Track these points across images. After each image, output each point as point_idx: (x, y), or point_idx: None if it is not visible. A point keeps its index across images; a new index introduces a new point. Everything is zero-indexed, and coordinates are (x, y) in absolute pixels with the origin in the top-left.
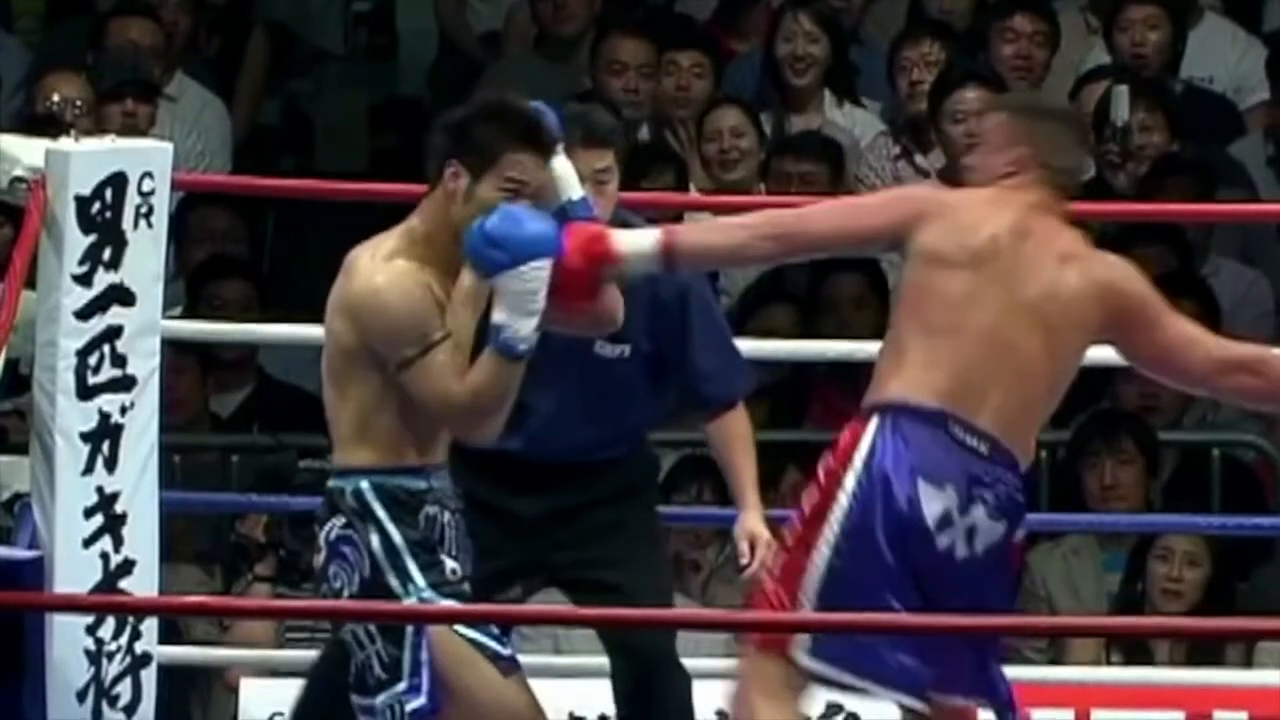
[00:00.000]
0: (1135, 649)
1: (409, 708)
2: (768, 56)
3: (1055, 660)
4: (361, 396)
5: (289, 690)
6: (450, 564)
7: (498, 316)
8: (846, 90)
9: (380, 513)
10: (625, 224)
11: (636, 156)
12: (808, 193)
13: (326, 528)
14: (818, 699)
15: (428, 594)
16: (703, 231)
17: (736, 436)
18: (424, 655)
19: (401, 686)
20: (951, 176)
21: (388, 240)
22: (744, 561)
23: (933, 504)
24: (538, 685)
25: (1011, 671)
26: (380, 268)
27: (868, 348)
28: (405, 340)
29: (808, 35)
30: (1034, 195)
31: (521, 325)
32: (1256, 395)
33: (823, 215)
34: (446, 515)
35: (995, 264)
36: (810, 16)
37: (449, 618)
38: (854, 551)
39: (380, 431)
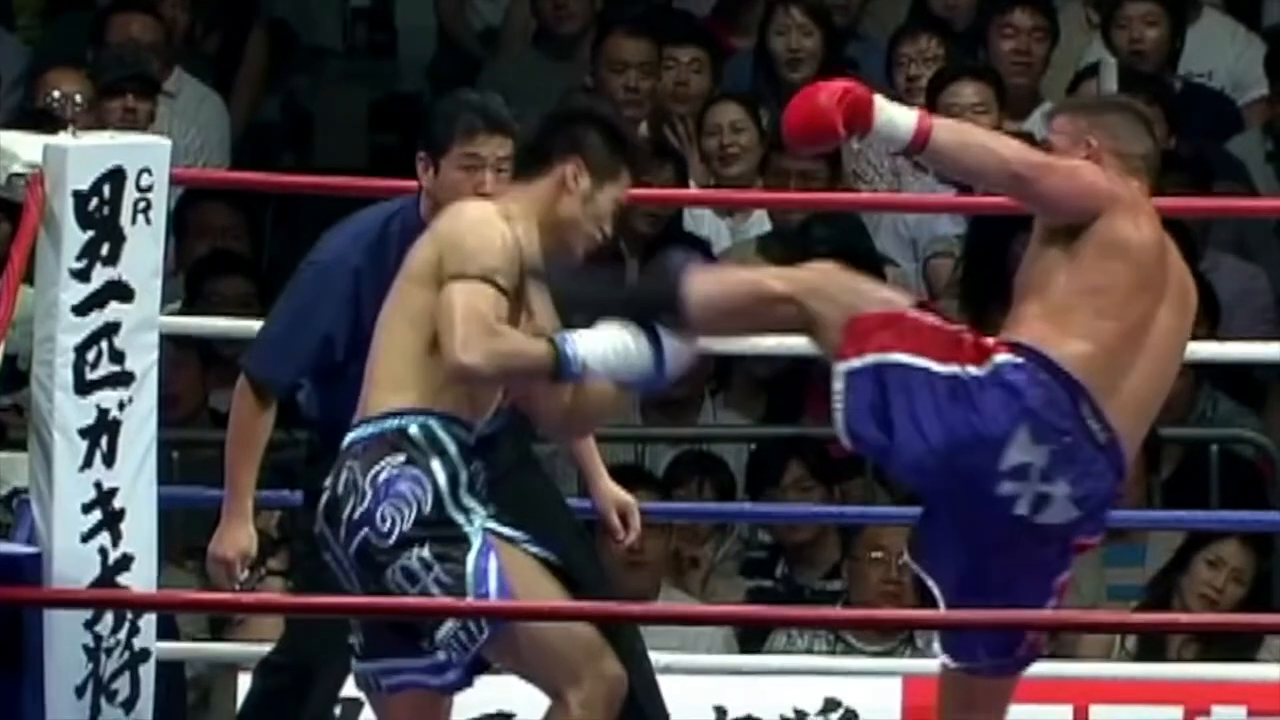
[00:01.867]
0: (1149, 645)
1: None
2: (761, 51)
3: (1056, 655)
4: (430, 337)
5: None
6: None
7: (585, 343)
8: None
9: (451, 447)
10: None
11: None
12: (805, 189)
13: (375, 469)
14: (815, 695)
15: (491, 524)
16: (958, 136)
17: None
18: (489, 565)
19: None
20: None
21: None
22: (620, 537)
23: (1017, 452)
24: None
25: None
26: (477, 205)
27: None
28: (469, 257)
29: (800, 28)
30: (1133, 188)
31: (593, 360)
32: None
33: (1058, 175)
34: (483, 475)
35: (1154, 264)
36: (802, 10)
37: (443, 611)
38: (936, 407)
39: (441, 376)
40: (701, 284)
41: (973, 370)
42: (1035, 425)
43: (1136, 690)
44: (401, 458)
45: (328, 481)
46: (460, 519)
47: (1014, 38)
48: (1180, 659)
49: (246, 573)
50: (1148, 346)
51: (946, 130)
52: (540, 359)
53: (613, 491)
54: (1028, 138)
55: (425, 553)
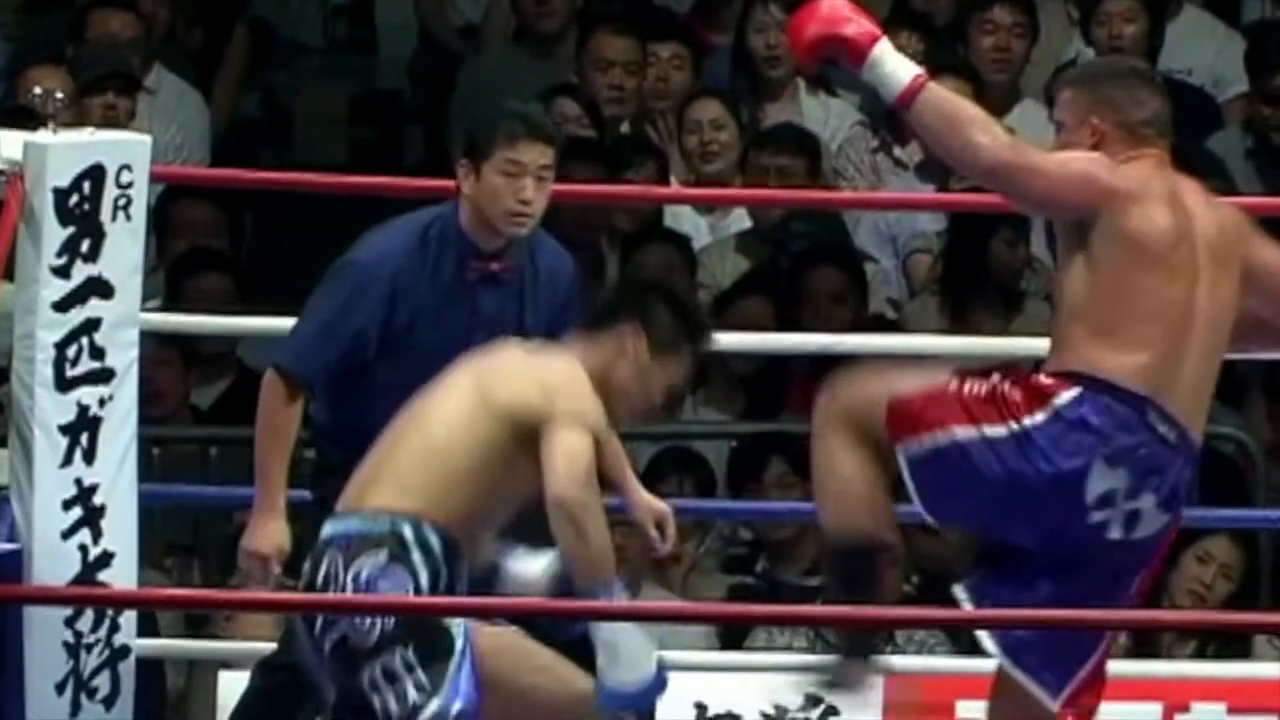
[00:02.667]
0: (1141, 643)
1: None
2: (739, 48)
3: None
4: (473, 465)
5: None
6: None
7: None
8: (820, 80)
9: (436, 548)
10: (536, 242)
11: (618, 149)
12: (785, 186)
13: (357, 565)
14: (795, 693)
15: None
16: (948, 109)
17: None
18: (465, 671)
19: (437, 702)
20: (930, 170)
21: None
22: (659, 547)
23: (1099, 482)
24: None
25: (992, 663)
26: (567, 359)
27: (846, 341)
28: (577, 403)
29: (779, 25)
30: (1148, 160)
31: (621, 634)
32: None
33: (1039, 174)
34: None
35: (1180, 240)
36: (781, 6)
37: (448, 610)
38: (1006, 470)
39: (457, 495)
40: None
41: (1032, 420)
42: (1110, 452)
43: (1117, 688)
44: (384, 555)
45: (305, 566)
46: (444, 619)
47: (994, 34)
48: (1172, 657)
49: (279, 569)
50: (1195, 332)
51: (938, 99)
52: (595, 564)
53: (647, 501)
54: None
55: (409, 654)
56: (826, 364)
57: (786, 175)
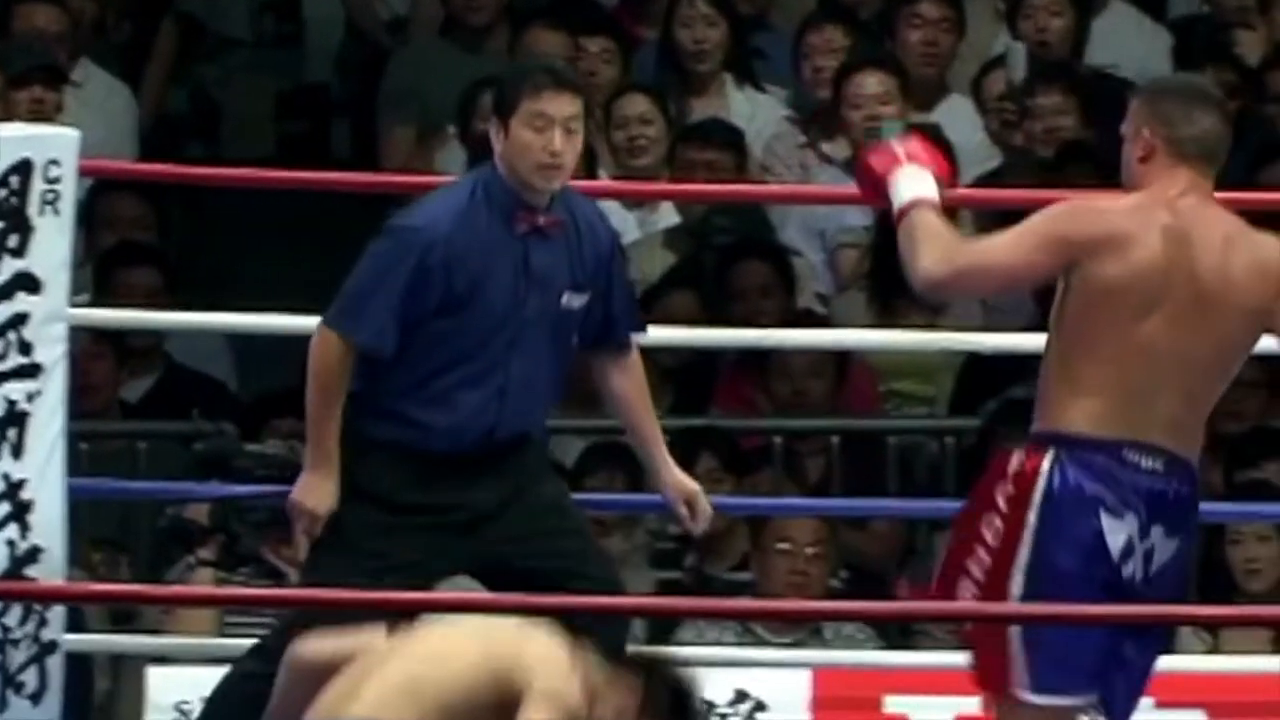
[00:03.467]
0: None
1: None
2: (666, 43)
3: None
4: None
5: (196, 677)
6: None
7: None
8: (747, 75)
9: None
10: (568, 203)
11: None
12: (712, 180)
13: None
14: (723, 686)
15: None
16: (908, 230)
17: (635, 387)
18: None
19: None
20: (855, 165)
21: None
22: (690, 526)
23: (1117, 536)
24: None
25: (919, 657)
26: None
27: (774, 335)
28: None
29: (705, 19)
30: (1180, 182)
31: None
32: None
33: (986, 270)
34: None
35: (1157, 279)
36: (707, 1)
37: (401, 606)
38: (1045, 586)
39: None
40: None
41: (1031, 517)
42: (1106, 504)
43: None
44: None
45: None
46: None
47: (921, 28)
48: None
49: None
50: (1167, 368)
51: (910, 225)
52: None
53: (678, 481)
54: (933, 130)
55: None
56: (755, 358)
57: (714, 170)
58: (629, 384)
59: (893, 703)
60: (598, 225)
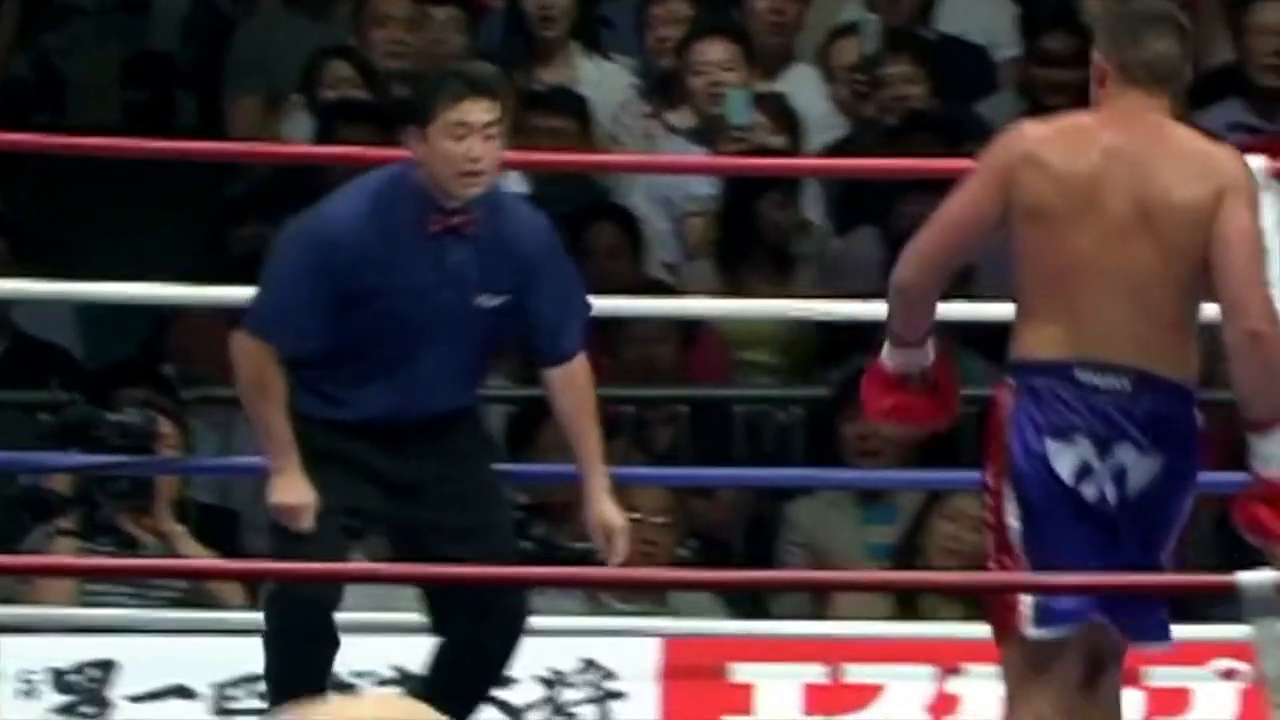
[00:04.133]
0: (904, 604)
1: None
2: (513, 10)
3: (818, 615)
4: None
5: (42, 647)
6: None
7: None
8: (595, 44)
9: None
10: (497, 195)
11: (394, 111)
12: (556, 148)
13: None
14: (571, 656)
15: None
16: (901, 322)
17: (573, 403)
18: None
19: None
20: (702, 135)
21: None
22: (604, 557)
23: (1064, 458)
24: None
25: (767, 626)
26: None
27: (623, 304)
28: None
29: None
30: (1127, 103)
31: None
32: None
33: (930, 223)
34: None
35: (1086, 192)
36: None
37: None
38: (1032, 521)
39: None
40: None
41: (1002, 449)
42: (1051, 427)
43: (889, 649)
44: None
45: None
46: None
47: None
48: (939, 618)
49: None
50: (1110, 280)
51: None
52: None
53: (602, 512)
54: (778, 98)
55: None
56: (603, 326)
57: (558, 137)
58: (566, 402)
59: (741, 671)
60: (526, 233)
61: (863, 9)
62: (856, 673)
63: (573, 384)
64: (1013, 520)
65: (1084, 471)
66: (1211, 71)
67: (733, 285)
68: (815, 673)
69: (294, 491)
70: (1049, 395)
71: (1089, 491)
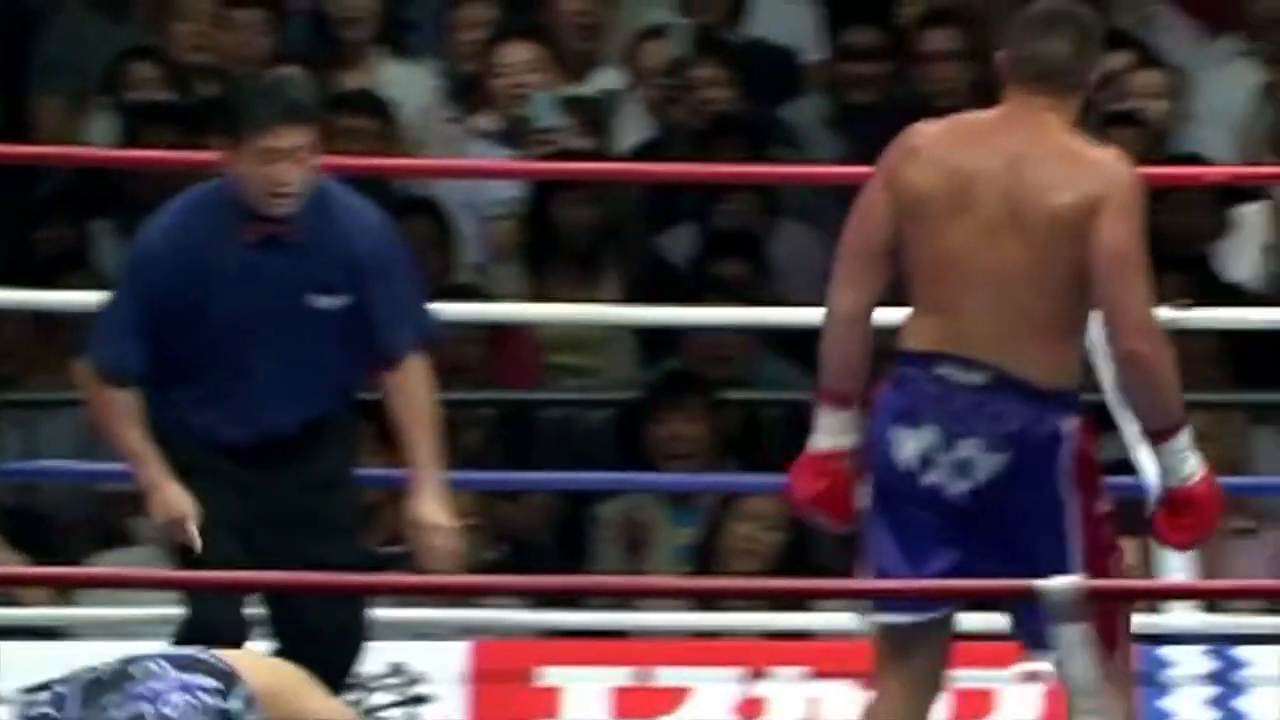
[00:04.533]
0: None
1: None
2: (318, 13)
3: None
4: None
5: None
6: None
7: None
8: (399, 47)
9: None
10: (324, 194)
11: (199, 112)
12: (361, 150)
13: None
14: (379, 660)
15: None
16: (830, 360)
17: (404, 405)
18: None
19: None
20: (507, 138)
21: None
22: (421, 556)
23: (906, 445)
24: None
25: (566, 617)
26: None
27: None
28: None
29: None
30: (1014, 101)
31: None
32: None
33: (845, 237)
34: None
35: (960, 188)
36: None
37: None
38: (874, 503)
39: None
40: None
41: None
42: (901, 414)
43: (697, 652)
44: None
45: None
46: None
47: (575, 0)
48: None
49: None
50: (979, 280)
51: (832, 378)
52: None
53: (420, 511)
54: (587, 101)
55: None
56: None
57: (362, 140)
58: (398, 401)
59: (549, 675)
60: (355, 231)
61: (671, 12)
62: (664, 676)
63: (403, 385)
64: (865, 501)
65: (925, 461)
66: None
67: (540, 288)
68: (623, 675)
69: (169, 504)
70: (910, 384)
71: (929, 479)
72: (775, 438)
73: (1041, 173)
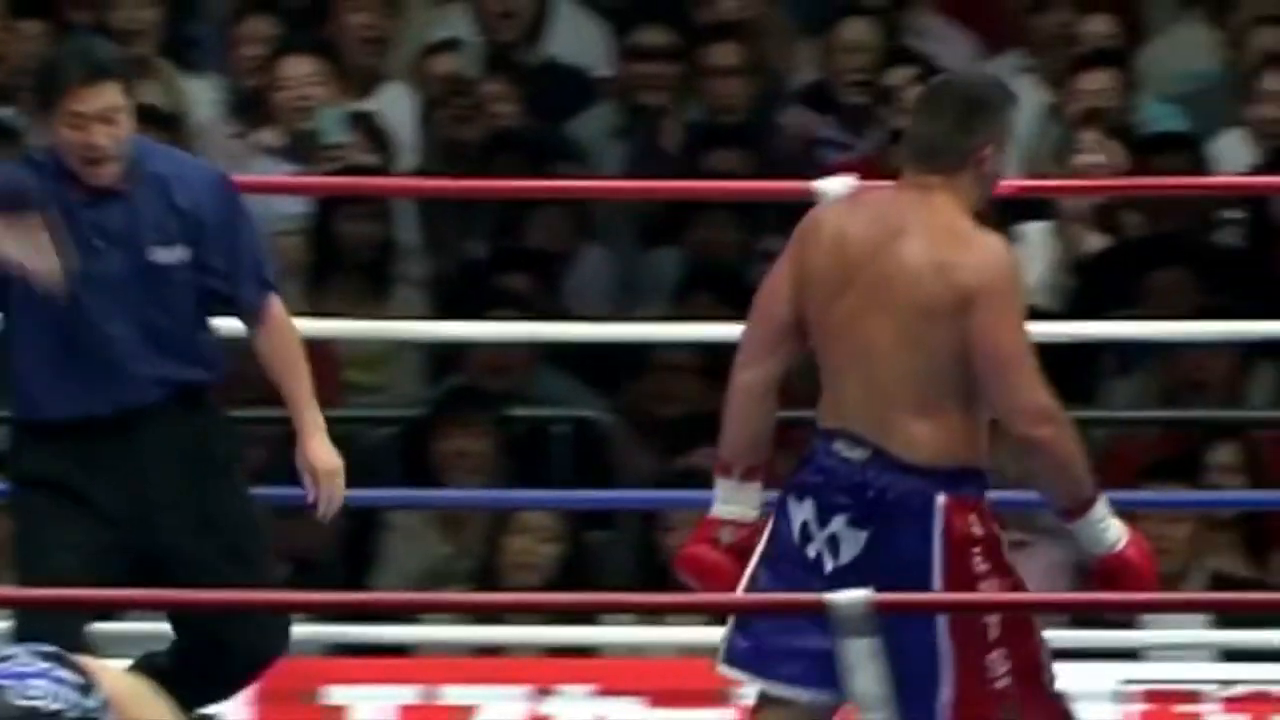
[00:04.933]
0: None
1: None
2: (102, 26)
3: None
4: None
5: None
6: None
7: None
8: (182, 61)
9: None
10: (140, 159)
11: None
12: None
13: None
14: None
15: None
16: (728, 431)
17: (275, 354)
18: None
19: None
20: (292, 153)
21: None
22: (311, 498)
23: (793, 518)
24: None
25: (351, 631)
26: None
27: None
28: None
29: (137, 2)
30: (906, 176)
31: None
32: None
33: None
34: None
35: (842, 265)
36: None
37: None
38: (763, 560)
39: None
40: None
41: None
42: (795, 487)
43: (483, 670)
44: None
45: None
46: None
47: (357, 12)
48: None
49: None
50: (855, 359)
51: (737, 454)
52: None
53: (314, 451)
54: (368, 117)
55: None
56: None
57: None
58: (267, 347)
59: (335, 694)
60: (187, 181)
61: (465, 26)
62: (451, 694)
63: (269, 335)
64: (760, 547)
65: (805, 534)
66: (802, 90)
67: (323, 305)
68: (410, 694)
69: None
70: (811, 459)
71: (811, 551)
72: (560, 453)
73: (916, 254)
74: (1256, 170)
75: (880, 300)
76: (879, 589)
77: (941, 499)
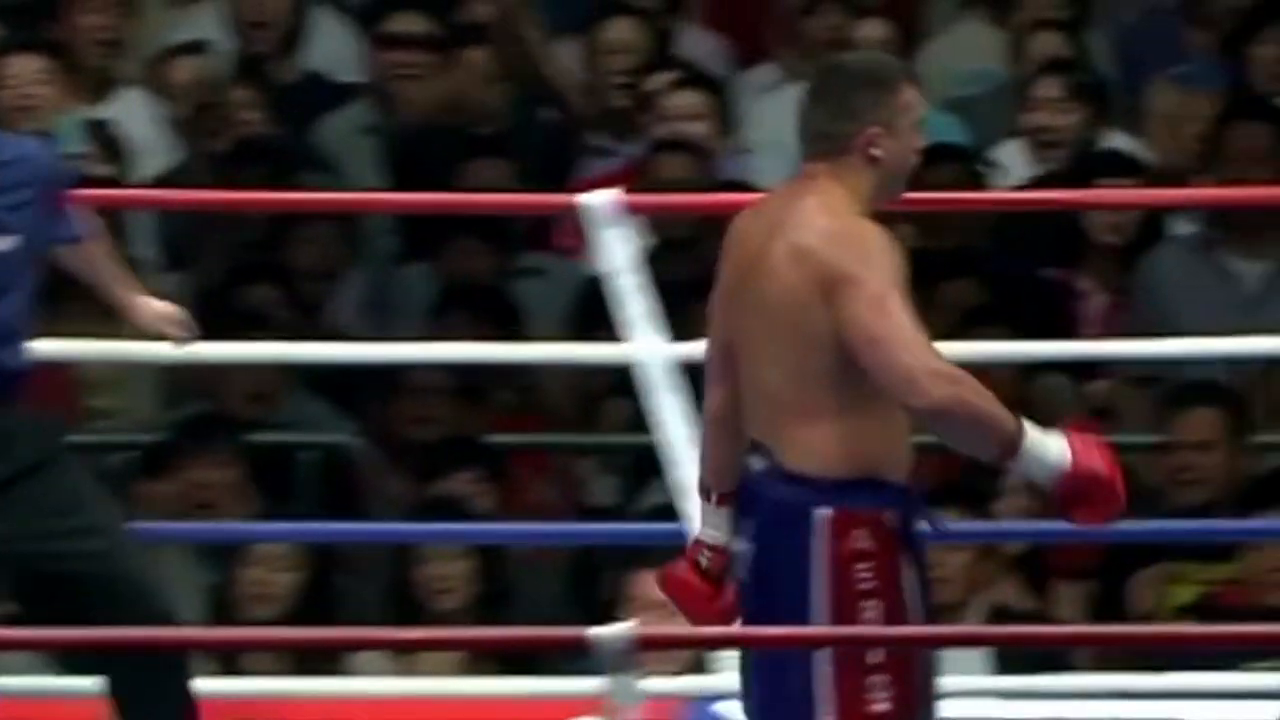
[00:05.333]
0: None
1: None
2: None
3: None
4: None
5: None
6: None
7: None
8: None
9: None
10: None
11: None
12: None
13: None
14: None
15: None
16: (701, 456)
17: (101, 265)
18: None
19: None
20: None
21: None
22: (181, 335)
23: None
24: None
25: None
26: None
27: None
28: None
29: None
30: (803, 169)
31: None
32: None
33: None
34: None
35: (738, 274)
36: None
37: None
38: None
39: None
40: None
41: None
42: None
43: (398, 710)
44: None
45: None
46: None
47: (96, 14)
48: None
49: None
50: (741, 364)
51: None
52: None
53: (150, 309)
54: (103, 125)
55: None
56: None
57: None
58: (96, 264)
59: None
60: (31, 156)
61: (211, 29)
62: None
63: (94, 253)
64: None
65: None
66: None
67: (58, 326)
68: None
69: None
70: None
71: (740, 573)
72: (308, 481)
73: (780, 247)
74: (1035, 184)
75: (755, 301)
76: (762, 607)
77: (823, 512)
